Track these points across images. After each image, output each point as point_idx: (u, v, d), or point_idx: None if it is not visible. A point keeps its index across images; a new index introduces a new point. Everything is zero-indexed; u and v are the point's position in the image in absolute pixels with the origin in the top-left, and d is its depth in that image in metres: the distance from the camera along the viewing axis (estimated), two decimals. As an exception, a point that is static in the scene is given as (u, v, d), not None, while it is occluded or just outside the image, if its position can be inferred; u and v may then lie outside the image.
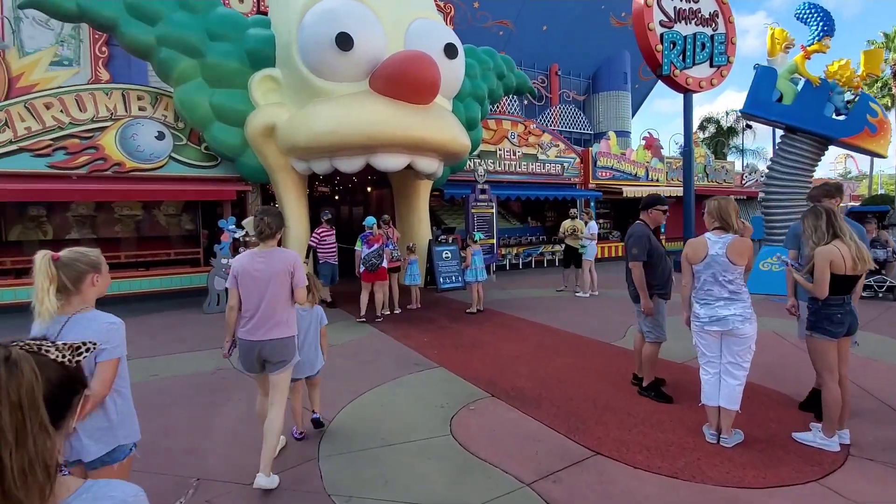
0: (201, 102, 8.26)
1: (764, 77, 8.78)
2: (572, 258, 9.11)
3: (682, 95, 11.56)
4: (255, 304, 2.72)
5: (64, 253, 1.79)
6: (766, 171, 9.12)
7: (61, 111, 8.40)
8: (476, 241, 7.25)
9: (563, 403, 3.90)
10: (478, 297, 7.29)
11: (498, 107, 15.79)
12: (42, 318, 1.70)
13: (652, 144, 16.35)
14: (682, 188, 16.54)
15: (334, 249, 8.03)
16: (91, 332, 1.73)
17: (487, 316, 7.14)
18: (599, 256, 10.14)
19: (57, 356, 0.78)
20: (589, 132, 23.87)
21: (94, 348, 0.89)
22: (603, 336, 5.94)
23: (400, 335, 6.14)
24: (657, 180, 16.43)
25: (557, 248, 14.48)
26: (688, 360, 4.81)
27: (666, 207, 4.13)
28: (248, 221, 7.99)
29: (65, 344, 0.80)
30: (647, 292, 3.90)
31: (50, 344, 0.79)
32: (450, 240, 10.14)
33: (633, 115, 25.87)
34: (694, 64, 11.11)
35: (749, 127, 31.35)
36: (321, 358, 3.46)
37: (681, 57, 10.95)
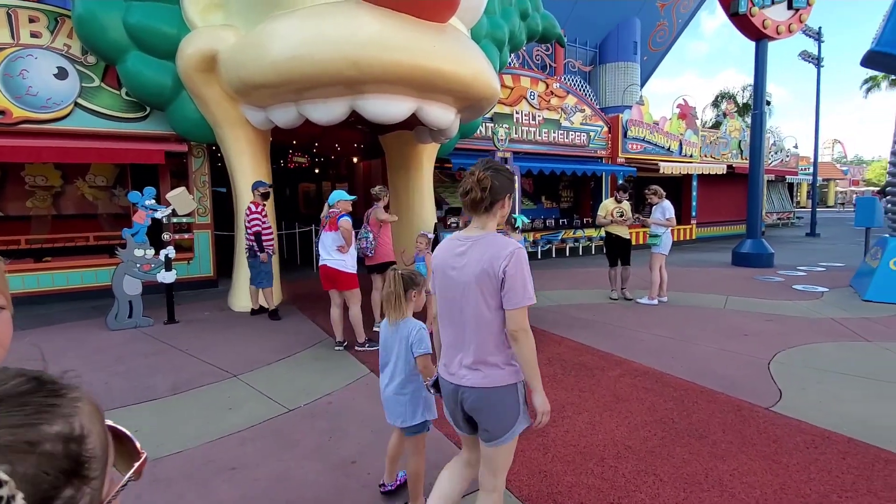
0: (111, 21, 5.71)
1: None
2: (618, 252, 6.59)
3: (747, 47, 9.21)
4: (453, 321, 1.65)
5: None
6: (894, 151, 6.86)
7: (-90, 33, 5.79)
8: (517, 229, 4.72)
9: None
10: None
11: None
12: None
13: (687, 114, 14.03)
14: (720, 166, 14.54)
15: (271, 236, 5.89)
16: None
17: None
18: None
19: None
20: (595, 106, 21.55)
21: None
22: (744, 391, 3.45)
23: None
24: (691, 155, 14.18)
25: (580, 233, 12.22)
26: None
27: None
28: (177, 195, 5.48)
29: None
30: None
31: None
32: (461, 224, 7.79)
33: (640, 89, 23.58)
34: (773, 3, 8.74)
35: (768, 103, 29.21)
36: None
37: (760, -7, 8.57)
